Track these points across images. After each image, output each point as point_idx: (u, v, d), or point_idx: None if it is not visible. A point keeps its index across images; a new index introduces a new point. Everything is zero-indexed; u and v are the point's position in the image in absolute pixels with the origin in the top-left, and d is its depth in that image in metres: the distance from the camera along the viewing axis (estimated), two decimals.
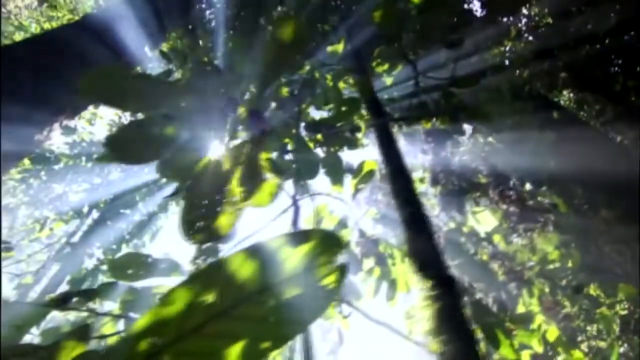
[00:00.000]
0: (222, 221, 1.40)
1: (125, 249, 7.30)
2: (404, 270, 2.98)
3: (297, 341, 1.81)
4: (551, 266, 2.92)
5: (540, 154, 3.34)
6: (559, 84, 5.22)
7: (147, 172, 7.99)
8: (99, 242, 6.85)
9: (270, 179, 1.51)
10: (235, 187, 1.47)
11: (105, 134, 10.67)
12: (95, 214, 7.54)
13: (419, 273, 1.23)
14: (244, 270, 0.79)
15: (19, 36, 8.51)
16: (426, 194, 3.57)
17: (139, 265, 2.59)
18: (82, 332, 1.85)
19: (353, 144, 3.22)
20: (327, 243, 0.81)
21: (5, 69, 2.97)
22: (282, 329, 0.81)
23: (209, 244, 2.59)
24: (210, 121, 1.53)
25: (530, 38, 5.99)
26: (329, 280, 0.81)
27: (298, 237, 0.82)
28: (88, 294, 1.69)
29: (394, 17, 1.95)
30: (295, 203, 2.45)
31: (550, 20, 6.13)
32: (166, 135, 1.54)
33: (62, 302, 1.54)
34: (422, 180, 2.88)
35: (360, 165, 2.95)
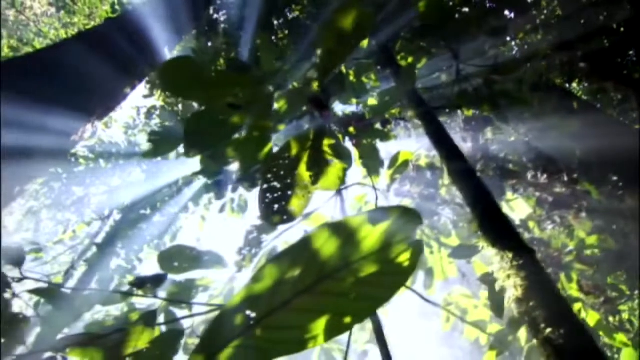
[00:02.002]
0: (295, 203, 1.46)
1: (147, 250, 7.41)
2: (441, 258, 3.02)
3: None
4: (588, 252, 2.94)
5: (566, 143, 3.36)
6: (579, 75, 5.23)
7: (166, 173, 8.09)
8: (121, 243, 6.96)
9: (336, 163, 1.57)
10: (303, 172, 1.53)
11: (122, 136, 10.83)
12: (116, 216, 7.66)
13: (496, 246, 1.27)
14: (327, 247, 0.83)
15: (38, 42, 8.68)
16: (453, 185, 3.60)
17: (185, 258, 2.66)
18: (150, 317, 1.93)
19: (385, 136, 3.27)
20: (405, 219, 0.85)
21: (44, 72, 3.06)
22: (362, 304, 0.85)
23: (254, 235, 2.65)
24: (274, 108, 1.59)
25: (548, 30, 5.99)
26: (405, 257, 0.84)
27: (378, 214, 0.86)
28: (156, 281, 1.76)
29: (439, 6, 2.00)
30: (339, 193, 2.51)
31: (567, 11, 6.12)
32: (234, 123, 1.61)
33: (139, 286, 1.61)
34: None
35: (396, 156, 3.00)
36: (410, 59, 3.84)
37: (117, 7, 8.14)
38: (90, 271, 6.26)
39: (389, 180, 2.94)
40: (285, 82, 2.25)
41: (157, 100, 10.28)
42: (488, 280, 2.11)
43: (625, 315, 4.67)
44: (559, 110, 3.98)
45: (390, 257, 0.83)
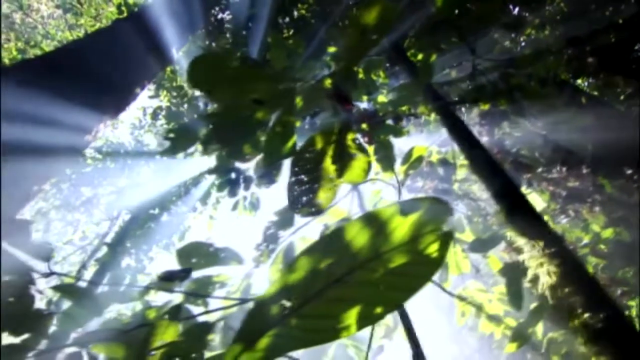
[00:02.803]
0: (322, 196, 1.48)
1: (155, 249, 7.47)
2: (455, 253, 3.03)
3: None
4: (602, 246, 2.95)
5: (579, 137, 3.37)
6: (587, 70, 5.21)
7: (174, 173, 8.14)
8: (131, 242, 7.01)
9: (360, 157, 1.59)
10: (329, 165, 1.55)
11: (129, 136, 10.90)
12: (125, 216, 7.72)
13: (526, 236, 1.28)
14: (359, 238, 0.85)
15: (46, 44, 8.74)
16: (468, 180, 3.62)
17: (202, 254, 2.68)
18: (174, 312, 1.95)
19: (398, 132, 3.29)
20: (435, 210, 0.86)
21: (61, 71, 3.09)
22: (392, 295, 0.87)
23: (271, 231, 2.68)
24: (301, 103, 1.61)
25: (555, 25, 5.98)
26: (435, 248, 0.86)
27: (409, 204, 0.87)
28: (183, 274, 1.78)
29: (456, 0, 2.01)
30: (356, 188, 2.53)
31: (573, 7, 6.11)
32: (258, 118, 1.63)
33: (168, 279, 1.63)
34: None
35: (410, 152, 3.00)
36: (420, 56, 3.85)
37: (123, 8, 8.19)
38: (102, 270, 6.32)
39: (403, 176, 2.95)
40: (304, 78, 2.27)
41: (162, 100, 10.33)
42: (508, 272, 2.13)
43: (633, 311, 4.66)
44: (570, 105, 3.98)
45: (420, 247, 0.84)
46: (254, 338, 0.88)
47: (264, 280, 2.81)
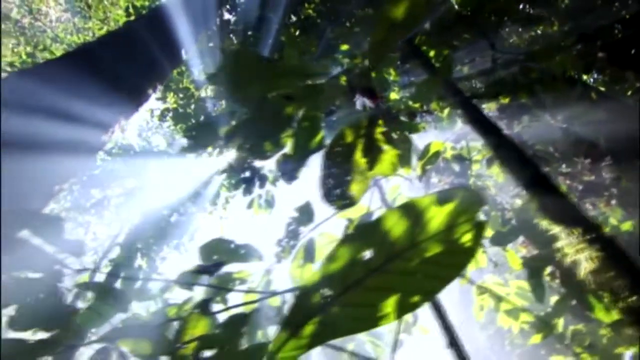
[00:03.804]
0: (355, 188, 1.50)
1: (166, 250, 7.52)
2: None
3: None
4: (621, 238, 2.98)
5: (597, 130, 3.37)
6: (597, 65, 5.21)
7: (184, 173, 8.20)
8: (142, 243, 7.06)
9: (389, 149, 1.61)
10: (359, 158, 1.57)
11: (137, 138, 10.97)
12: (135, 217, 7.78)
13: (562, 224, 1.29)
14: (396, 228, 0.86)
15: (55, 48, 8.82)
16: (483, 175, 3.64)
17: (224, 250, 2.71)
18: (205, 306, 1.98)
19: (414, 129, 3.31)
20: (469, 200, 0.87)
21: (83, 70, 3.14)
22: (428, 284, 0.88)
23: (292, 227, 2.70)
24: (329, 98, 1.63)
25: (563, 20, 5.97)
26: (469, 237, 0.87)
27: (445, 194, 0.89)
28: (215, 268, 1.81)
29: None
30: (376, 183, 2.55)
31: (581, 2, 6.09)
32: (288, 113, 1.65)
33: (202, 272, 1.66)
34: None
35: (427, 147, 3.03)
36: (432, 53, 3.87)
37: (130, 10, 8.25)
38: (115, 271, 6.36)
39: (421, 171, 2.97)
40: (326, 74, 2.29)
41: (168, 102, 10.38)
42: (530, 264, 2.14)
43: None
44: (582, 99, 3.98)
45: (454, 237, 0.86)
46: (298, 325, 0.90)
47: (284, 276, 2.84)
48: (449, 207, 0.84)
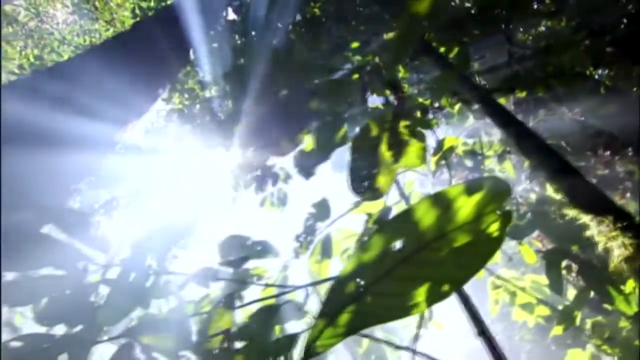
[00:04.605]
0: (381, 181, 1.52)
1: (174, 249, 7.54)
2: None
3: None
4: None
5: (614, 123, 3.38)
6: (607, 59, 5.20)
7: (190, 172, 8.22)
8: (150, 243, 7.07)
9: (414, 142, 1.63)
10: (385, 151, 1.59)
11: (142, 139, 10.98)
12: (143, 216, 7.82)
13: (593, 212, 1.30)
14: (426, 218, 0.87)
15: (62, 50, 8.89)
16: (493, 171, 3.65)
17: (242, 247, 2.74)
18: (229, 301, 2.01)
19: (426, 124, 3.32)
20: (496, 190, 0.88)
21: (93, 72, 3.17)
22: (457, 273, 0.89)
23: (310, 222, 2.72)
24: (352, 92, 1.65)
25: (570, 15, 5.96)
26: (495, 227, 0.88)
27: (473, 185, 0.90)
28: (241, 262, 1.83)
29: None
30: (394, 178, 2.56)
31: None
32: (313, 108, 1.68)
33: (229, 266, 1.69)
34: (509, 152, 2.96)
35: (441, 142, 3.04)
36: (442, 49, 3.88)
37: (137, 12, 8.30)
38: (126, 270, 6.40)
39: (435, 166, 2.98)
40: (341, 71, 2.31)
41: (173, 102, 10.41)
42: (550, 257, 2.15)
43: None
44: (593, 93, 3.99)
45: (481, 227, 0.87)
46: (335, 314, 0.92)
47: (301, 272, 2.86)
48: (477, 197, 0.85)
